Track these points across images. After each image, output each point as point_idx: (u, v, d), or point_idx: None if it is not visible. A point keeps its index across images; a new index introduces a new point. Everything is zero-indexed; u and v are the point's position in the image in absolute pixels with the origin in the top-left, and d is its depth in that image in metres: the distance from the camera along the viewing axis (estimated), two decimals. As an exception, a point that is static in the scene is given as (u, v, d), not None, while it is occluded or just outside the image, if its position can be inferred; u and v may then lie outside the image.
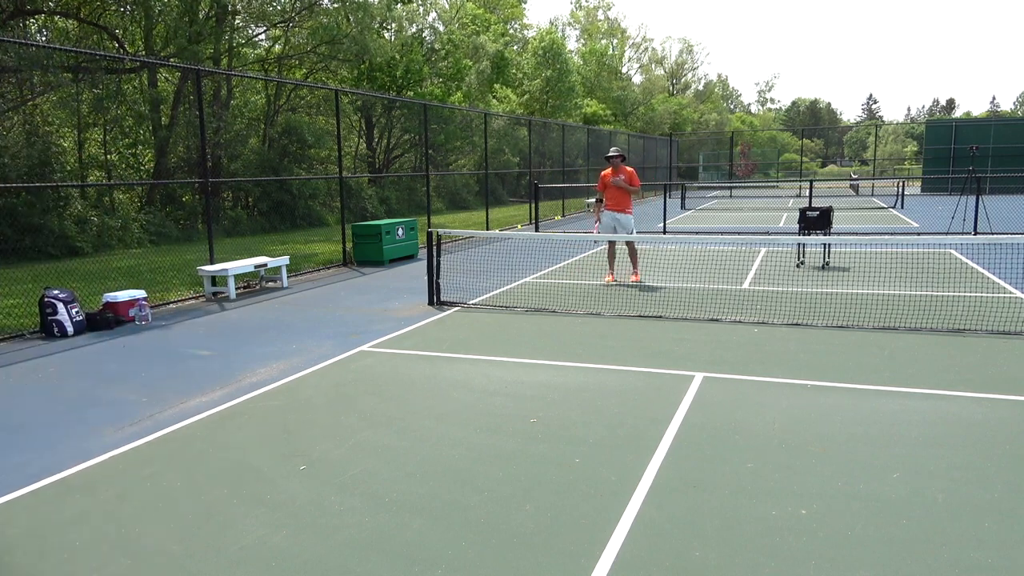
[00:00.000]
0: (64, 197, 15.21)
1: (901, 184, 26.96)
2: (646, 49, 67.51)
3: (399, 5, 27.02)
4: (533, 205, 20.08)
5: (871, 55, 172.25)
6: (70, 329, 7.80)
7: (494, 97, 35.72)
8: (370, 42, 22.73)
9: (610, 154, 10.30)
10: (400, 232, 13.64)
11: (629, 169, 10.33)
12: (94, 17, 19.31)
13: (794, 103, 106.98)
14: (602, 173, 10.42)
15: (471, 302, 9.05)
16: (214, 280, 10.15)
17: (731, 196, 34.67)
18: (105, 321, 8.09)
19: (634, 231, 10.50)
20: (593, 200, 10.57)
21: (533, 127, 26.28)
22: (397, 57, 27.23)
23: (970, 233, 14.54)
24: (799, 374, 5.77)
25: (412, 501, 3.76)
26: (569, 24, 62.01)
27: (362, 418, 5.02)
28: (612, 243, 10.54)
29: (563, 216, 24.14)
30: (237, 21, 22.70)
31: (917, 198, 28.77)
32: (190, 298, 9.96)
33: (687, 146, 59.14)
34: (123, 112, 18.82)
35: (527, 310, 8.55)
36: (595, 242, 11.00)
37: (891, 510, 3.55)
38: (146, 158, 19.98)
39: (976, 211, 15.17)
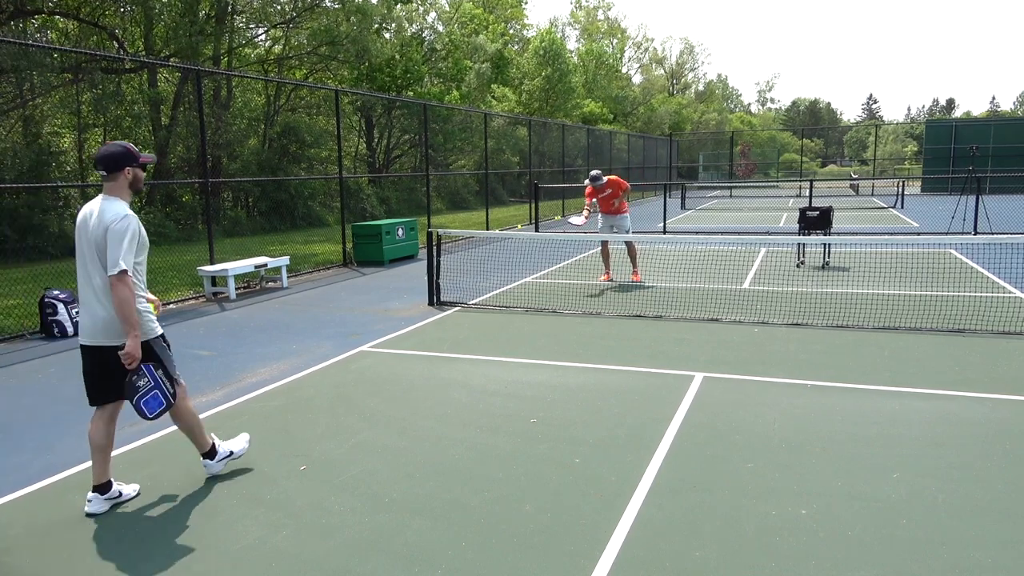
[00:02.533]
0: (64, 197, 15.21)
1: (901, 184, 26.95)
2: (646, 49, 67.58)
3: (399, 5, 27.00)
4: (533, 205, 20.08)
5: (871, 55, 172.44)
6: (70, 329, 7.81)
7: (492, 97, 35.71)
8: (370, 43, 22.72)
9: (592, 178, 9.99)
10: (400, 232, 13.64)
11: (613, 178, 10.20)
12: (94, 17, 19.31)
13: (794, 103, 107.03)
14: (586, 190, 10.21)
15: (471, 302, 9.05)
16: (214, 280, 10.15)
17: (731, 196, 34.67)
18: (105, 321, 8.08)
19: (630, 230, 10.45)
20: (585, 211, 10.36)
21: (533, 127, 26.28)
22: (397, 57, 27.23)
23: (970, 233, 14.54)
24: (799, 374, 5.77)
25: (412, 501, 3.76)
26: (569, 24, 62.04)
27: (362, 418, 5.02)
28: (606, 243, 10.49)
29: (563, 216, 24.14)
30: (237, 21, 22.70)
31: (917, 198, 28.77)
32: (190, 298, 9.96)
33: (687, 146, 59.12)
34: (123, 112, 18.81)
35: (527, 310, 8.55)
36: (568, 221, 10.78)
37: (891, 510, 3.55)
38: (146, 158, 19.94)
39: (976, 211, 15.17)
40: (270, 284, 11.00)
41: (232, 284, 10.00)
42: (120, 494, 3.84)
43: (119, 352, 3.59)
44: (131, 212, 3.65)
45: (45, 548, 3.39)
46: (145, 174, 3.88)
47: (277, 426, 4.89)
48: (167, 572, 3.16)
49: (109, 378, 3.74)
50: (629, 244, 10.39)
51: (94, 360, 3.78)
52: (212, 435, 4.13)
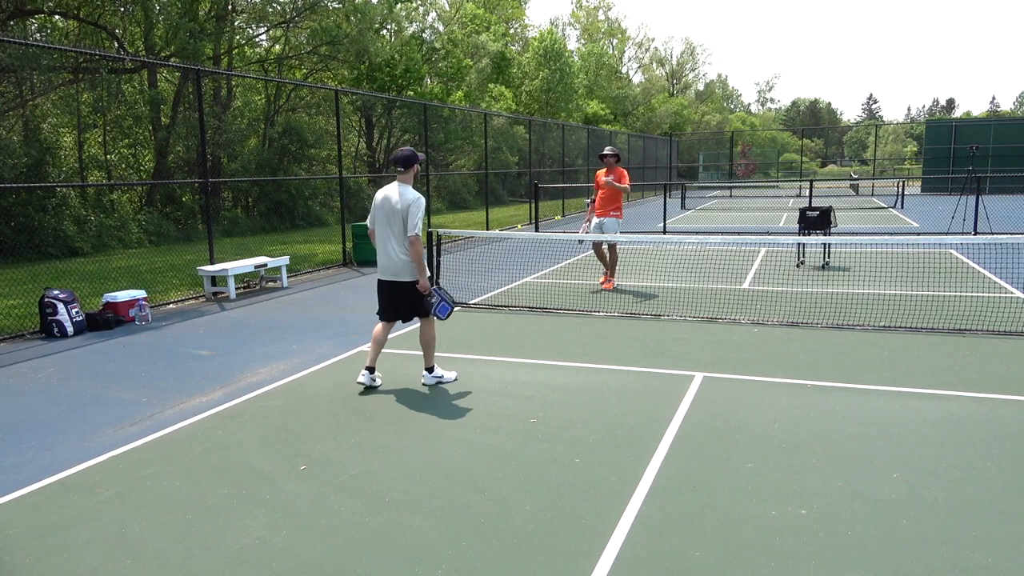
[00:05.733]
0: (63, 197, 15.21)
1: (901, 184, 26.95)
2: (647, 48, 67.61)
3: (399, 5, 27.00)
4: (533, 205, 20.07)
5: (871, 55, 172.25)
6: (70, 329, 7.81)
7: (491, 97, 35.70)
8: (370, 43, 22.72)
9: (605, 152, 9.98)
10: (400, 232, 13.61)
11: (621, 170, 9.97)
12: (94, 17, 19.31)
13: (794, 103, 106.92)
14: (597, 172, 10.19)
15: (471, 302, 9.05)
16: (214, 280, 10.15)
17: (731, 196, 34.67)
18: (105, 321, 8.09)
19: (617, 233, 9.90)
20: (589, 200, 10.35)
21: (533, 127, 26.27)
22: (397, 57, 27.22)
23: (970, 233, 14.54)
24: (799, 374, 5.77)
25: (412, 501, 3.76)
26: (569, 24, 62.07)
27: (362, 418, 5.02)
28: (598, 244, 10.31)
29: (563, 216, 24.14)
30: (237, 21, 22.70)
31: (917, 198, 28.77)
32: (190, 298, 9.96)
33: (687, 146, 59.14)
34: (123, 112, 18.82)
35: (527, 310, 8.55)
36: (579, 242, 11.03)
37: (891, 510, 3.55)
38: (146, 158, 19.99)
39: (976, 211, 15.17)
40: (270, 284, 11.00)
41: (232, 284, 10.00)
42: (375, 380, 5.62)
43: (417, 287, 5.46)
44: (420, 194, 5.41)
45: (45, 548, 3.39)
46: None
47: (277, 426, 4.89)
48: (167, 572, 3.16)
49: (395, 303, 5.58)
50: (611, 248, 10.02)
51: (389, 290, 5.57)
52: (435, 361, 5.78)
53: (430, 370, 5.71)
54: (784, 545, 3.25)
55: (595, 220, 10.07)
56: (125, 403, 5.47)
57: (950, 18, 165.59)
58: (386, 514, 3.63)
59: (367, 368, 5.60)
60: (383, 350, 5.90)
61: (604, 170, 9.93)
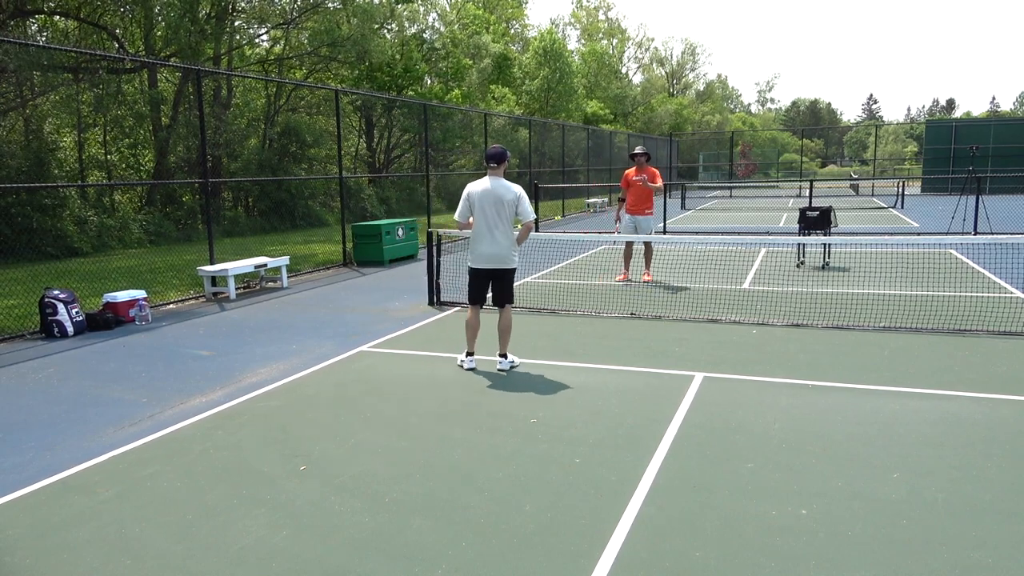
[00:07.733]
0: (63, 197, 15.21)
1: (901, 184, 26.95)
2: (647, 48, 67.59)
3: (400, 5, 26.99)
4: (533, 205, 20.05)
5: (871, 55, 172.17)
6: (70, 329, 7.81)
7: (492, 97, 35.68)
8: (371, 44, 22.71)
9: (635, 152, 10.26)
10: (400, 232, 13.64)
11: (652, 169, 10.26)
12: (94, 17, 19.31)
13: (794, 103, 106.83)
14: (626, 172, 10.40)
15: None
16: (214, 280, 10.15)
17: (731, 196, 34.65)
18: (105, 321, 8.09)
19: (652, 231, 10.46)
20: (617, 199, 10.58)
21: (533, 127, 26.26)
22: (397, 57, 27.21)
23: (970, 233, 14.54)
24: (799, 374, 5.77)
25: (412, 501, 3.76)
26: (570, 24, 62.05)
27: (362, 418, 5.02)
28: (629, 244, 10.55)
29: (563, 216, 24.14)
30: (238, 22, 22.70)
31: (917, 198, 28.77)
32: (190, 298, 9.96)
33: (687, 146, 59.10)
34: (123, 112, 18.82)
35: (527, 310, 8.55)
36: (613, 242, 11.39)
37: (891, 510, 3.55)
38: (146, 158, 19.99)
39: (976, 211, 15.17)
40: (270, 284, 11.00)
41: (232, 284, 10.00)
42: (463, 365, 6.20)
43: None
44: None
45: (45, 548, 3.39)
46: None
47: (277, 426, 4.89)
48: (167, 572, 3.16)
49: (488, 289, 6.21)
50: (647, 245, 10.45)
51: (485, 276, 6.16)
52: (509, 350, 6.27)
53: (505, 356, 6.17)
54: (784, 545, 3.25)
55: (627, 218, 10.27)
56: (125, 403, 5.47)
57: (950, 18, 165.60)
58: (386, 514, 3.63)
59: (468, 354, 6.21)
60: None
61: (634, 169, 10.18)
